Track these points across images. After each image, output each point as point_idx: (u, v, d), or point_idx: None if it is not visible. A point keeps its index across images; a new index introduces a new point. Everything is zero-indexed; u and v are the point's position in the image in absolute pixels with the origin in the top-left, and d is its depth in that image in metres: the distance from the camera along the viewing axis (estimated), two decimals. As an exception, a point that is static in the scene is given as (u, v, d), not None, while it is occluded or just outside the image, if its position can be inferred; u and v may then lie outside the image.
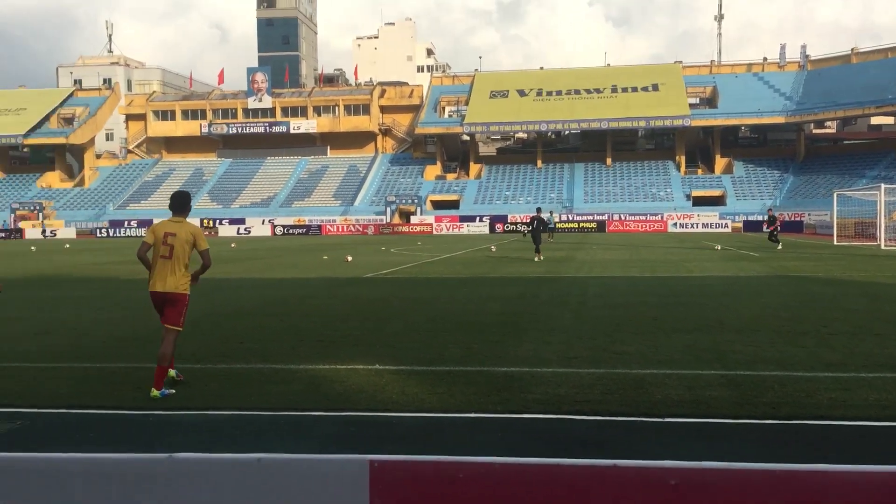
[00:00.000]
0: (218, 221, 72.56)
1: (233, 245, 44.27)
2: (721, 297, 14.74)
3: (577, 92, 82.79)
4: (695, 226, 65.01)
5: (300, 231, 70.02)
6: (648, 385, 7.48)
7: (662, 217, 67.13)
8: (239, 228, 70.34)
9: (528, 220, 28.63)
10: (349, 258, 28.13)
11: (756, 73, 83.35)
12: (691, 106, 79.97)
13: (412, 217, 73.12)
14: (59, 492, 1.87)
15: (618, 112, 78.37)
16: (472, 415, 6.60)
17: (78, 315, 13.31)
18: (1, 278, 18.52)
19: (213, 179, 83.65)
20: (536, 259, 26.50)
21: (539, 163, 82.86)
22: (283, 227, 70.43)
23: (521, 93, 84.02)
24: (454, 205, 76.53)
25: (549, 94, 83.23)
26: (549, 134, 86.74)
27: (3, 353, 9.65)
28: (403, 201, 74.56)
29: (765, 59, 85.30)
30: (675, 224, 65.38)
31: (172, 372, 7.89)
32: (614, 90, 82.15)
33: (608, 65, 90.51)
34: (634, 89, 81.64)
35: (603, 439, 5.92)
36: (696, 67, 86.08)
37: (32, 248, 42.77)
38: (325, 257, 30.36)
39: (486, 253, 32.71)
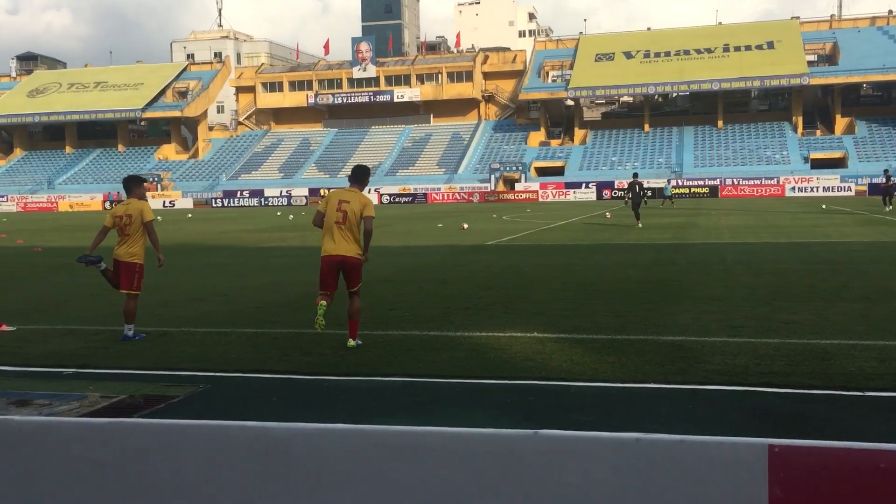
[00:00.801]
0: (326, 190, 73.98)
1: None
2: (875, 264, 13.89)
3: (687, 52, 79.81)
4: (814, 189, 62.01)
5: (406, 199, 70.57)
6: (834, 356, 7.03)
7: (779, 181, 64.27)
8: (346, 197, 71.40)
9: (627, 187, 27.77)
10: (465, 225, 28.07)
11: (881, 27, 78.34)
12: (809, 63, 75.92)
13: (516, 184, 72.54)
14: (413, 467, 1.75)
15: (730, 72, 75.20)
16: (652, 385, 6.35)
17: (224, 282, 13.69)
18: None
19: (319, 149, 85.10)
20: (639, 226, 25.83)
21: (646, 127, 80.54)
22: (389, 195, 71.11)
23: (628, 55, 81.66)
24: (559, 171, 75.45)
25: (658, 55, 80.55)
26: (657, 97, 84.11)
27: (166, 319, 9.98)
28: (507, 168, 74.02)
29: (890, 11, 79.98)
30: (794, 188, 62.54)
31: (352, 342, 7.95)
32: (726, 49, 78.80)
33: (720, 23, 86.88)
34: (748, 48, 78.10)
35: (804, 414, 5.57)
36: (815, 23, 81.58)
37: (158, 217, 44.46)
38: (440, 225, 30.41)
39: (601, 219, 32.06)
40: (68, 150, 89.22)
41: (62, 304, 11.59)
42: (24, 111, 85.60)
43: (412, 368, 7.08)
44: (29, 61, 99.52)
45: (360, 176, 8.26)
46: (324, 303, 7.89)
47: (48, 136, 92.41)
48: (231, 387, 6.76)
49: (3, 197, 77.29)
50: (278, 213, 47.60)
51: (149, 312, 10.29)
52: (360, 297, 8.13)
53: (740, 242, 19.26)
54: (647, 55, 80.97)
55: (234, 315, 10.21)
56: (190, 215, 46.68)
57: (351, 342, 7.93)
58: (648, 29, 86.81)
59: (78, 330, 9.36)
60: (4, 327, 9.36)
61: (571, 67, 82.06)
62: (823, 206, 34.25)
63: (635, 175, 28.76)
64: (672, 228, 24.93)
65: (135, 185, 9.16)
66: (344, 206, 7.95)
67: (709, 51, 79.39)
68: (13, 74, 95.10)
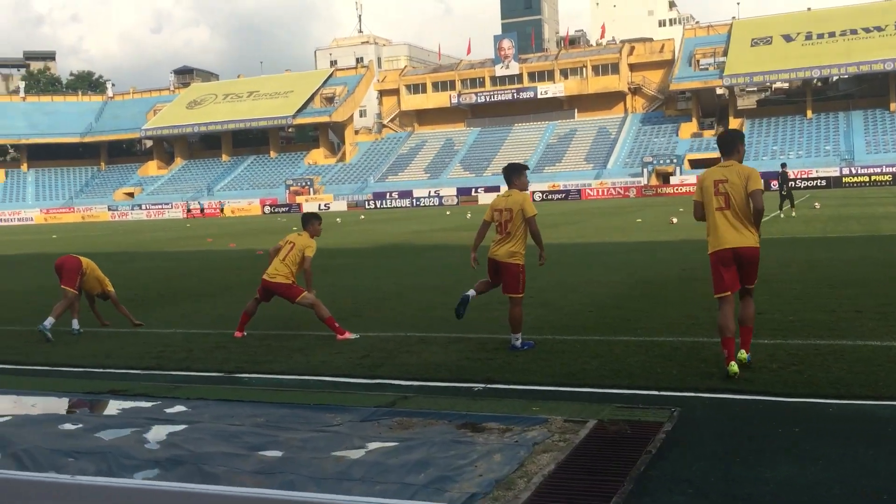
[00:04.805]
0: (474, 190, 73.45)
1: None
2: None
3: (854, 32, 74.64)
4: None
5: (559, 196, 69.05)
6: None
7: (971, 166, 58.91)
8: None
9: (781, 176, 28.45)
10: (674, 220, 26.52)
11: None
12: None
13: (671, 178, 69.78)
14: None
15: (905, 51, 69.67)
16: None
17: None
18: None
19: (463, 149, 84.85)
20: (794, 214, 26.40)
21: (809, 113, 75.83)
22: (542, 192, 69.71)
23: (787, 38, 77.19)
24: (715, 163, 71.66)
25: (820, 36, 75.76)
26: (815, 81, 79.06)
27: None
28: (660, 161, 71.40)
29: None
30: None
31: (744, 355, 6.66)
32: (899, 26, 73.13)
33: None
34: (925, 23, 72.23)
35: None
36: None
37: (338, 219, 44.81)
38: (639, 220, 28.92)
39: (802, 211, 29.50)
40: (224, 157, 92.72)
41: (356, 310, 10.89)
42: (183, 122, 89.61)
43: (802, 388, 5.89)
44: (185, 74, 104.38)
45: (732, 141, 6.74)
46: (734, 367, 6.34)
47: (205, 145, 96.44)
48: (704, 411, 5.65)
49: (167, 204, 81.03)
50: (447, 213, 47.12)
51: (476, 317, 9.38)
52: (753, 297, 6.85)
53: None
54: (808, 37, 76.33)
55: (573, 318, 9.24)
56: (363, 216, 46.90)
57: (743, 354, 6.56)
58: (808, 9, 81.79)
59: (429, 338, 8.58)
60: (348, 335, 8.72)
61: (725, 54, 78.34)
62: None
63: (783, 165, 29.26)
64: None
65: (514, 176, 7.99)
66: (723, 188, 6.51)
67: (878, 29, 73.96)
68: (171, 88, 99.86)
